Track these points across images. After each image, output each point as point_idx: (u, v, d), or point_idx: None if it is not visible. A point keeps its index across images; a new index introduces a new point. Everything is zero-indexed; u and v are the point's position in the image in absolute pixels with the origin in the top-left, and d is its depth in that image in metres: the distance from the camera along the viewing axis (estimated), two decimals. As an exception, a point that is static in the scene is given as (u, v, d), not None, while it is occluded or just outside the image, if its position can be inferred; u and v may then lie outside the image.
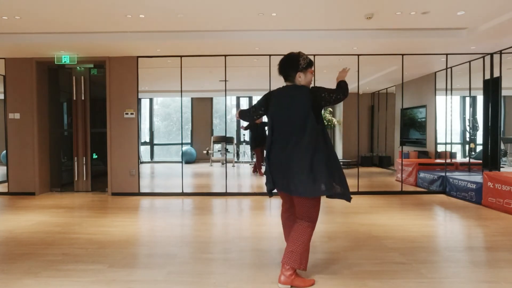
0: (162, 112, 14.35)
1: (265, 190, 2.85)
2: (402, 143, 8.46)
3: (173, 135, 14.06)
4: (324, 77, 8.48)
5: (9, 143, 6.62)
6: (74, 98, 6.90)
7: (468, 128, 7.67)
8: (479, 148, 7.72)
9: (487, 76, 6.42)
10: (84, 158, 6.92)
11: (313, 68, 2.73)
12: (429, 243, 3.71)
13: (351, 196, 2.74)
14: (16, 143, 6.61)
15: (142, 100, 12.71)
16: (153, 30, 5.41)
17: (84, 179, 6.93)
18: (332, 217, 4.77)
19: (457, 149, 9.32)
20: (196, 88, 11.08)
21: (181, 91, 7.00)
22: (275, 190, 2.79)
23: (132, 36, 5.54)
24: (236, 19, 4.99)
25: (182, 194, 6.57)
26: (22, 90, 6.57)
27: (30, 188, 6.60)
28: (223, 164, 11.46)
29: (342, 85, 2.71)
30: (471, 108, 7.97)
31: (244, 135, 12.62)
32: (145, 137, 12.96)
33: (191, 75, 8.35)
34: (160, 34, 5.52)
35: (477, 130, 7.53)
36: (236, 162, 12.11)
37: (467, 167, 7.29)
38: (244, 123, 9.29)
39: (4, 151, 6.83)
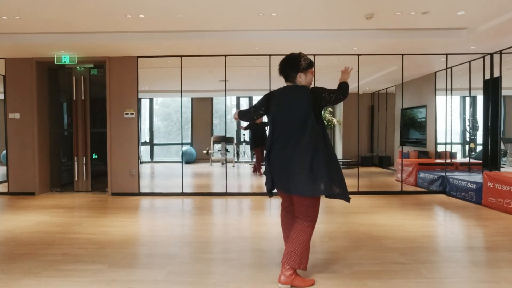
0: (162, 112, 14.36)
1: (265, 190, 2.85)
2: (402, 143, 8.46)
3: (173, 135, 14.06)
4: (324, 77, 8.49)
5: (9, 143, 6.62)
6: (74, 98, 6.90)
7: (468, 128, 7.67)
8: (479, 148, 7.72)
9: (487, 76, 6.42)
10: (84, 158, 6.92)
11: (313, 69, 2.75)
12: (429, 243, 3.71)
13: (350, 196, 2.75)
14: (16, 143, 6.61)
15: (142, 100, 12.71)
16: (153, 30, 5.41)
17: (84, 179, 6.93)
18: (332, 217, 4.77)
19: (457, 149, 9.32)
20: (196, 88, 11.09)
21: (181, 91, 7.00)
22: (275, 190, 2.80)
23: (132, 36, 5.54)
24: (236, 19, 4.99)
25: (182, 194, 6.57)
26: (22, 90, 6.57)
27: (30, 188, 6.60)
28: (223, 164, 11.46)
29: (343, 86, 2.73)
30: (471, 108, 7.97)
31: (244, 135, 12.62)
32: (145, 137, 12.96)
33: (191, 75, 8.35)
34: (160, 34, 5.52)
35: (477, 130, 7.53)
36: (236, 162, 12.11)
37: (467, 167, 7.29)
38: (244, 123, 9.29)
39: (4, 151, 6.83)
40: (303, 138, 2.55)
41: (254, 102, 12.62)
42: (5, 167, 6.90)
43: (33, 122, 6.58)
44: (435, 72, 8.11)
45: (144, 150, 12.80)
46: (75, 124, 6.91)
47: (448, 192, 6.37)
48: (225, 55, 6.41)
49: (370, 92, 11.54)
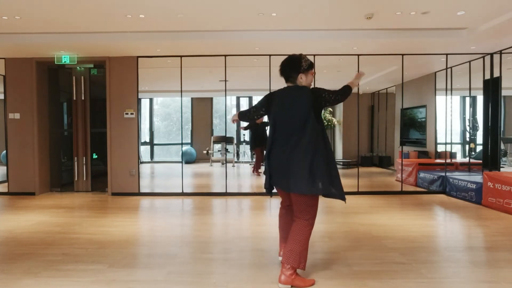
0: (162, 112, 14.36)
1: (265, 190, 2.86)
2: (402, 143, 8.47)
3: (173, 135, 14.06)
4: (324, 77, 8.49)
5: (9, 143, 6.62)
6: (74, 98, 6.90)
7: (468, 128, 7.67)
8: (479, 148, 7.72)
9: (487, 76, 6.42)
10: (84, 158, 6.92)
11: (313, 70, 2.79)
12: (429, 243, 3.71)
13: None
14: (16, 143, 6.61)
15: (142, 100, 12.71)
16: (153, 30, 5.41)
17: (84, 179, 6.93)
18: (332, 217, 4.77)
19: (457, 149, 9.32)
20: (196, 88, 11.09)
21: (181, 91, 7.00)
22: (274, 190, 2.84)
23: (132, 36, 5.54)
24: (236, 19, 4.99)
25: (182, 194, 6.57)
26: (22, 90, 6.57)
27: (30, 188, 6.60)
28: (223, 164, 11.46)
29: (345, 89, 2.78)
30: (471, 108, 7.97)
31: (244, 135, 12.62)
32: (145, 137, 12.96)
33: (191, 75, 8.35)
34: (160, 34, 5.52)
35: (477, 130, 7.53)
36: (236, 162, 12.12)
37: (467, 167, 7.29)
38: (244, 124, 9.29)
39: (4, 151, 6.83)
40: (303, 138, 2.57)
41: (254, 102, 12.69)
42: (5, 167, 6.90)
43: (33, 122, 6.58)
44: (435, 72, 8.11)
45: (144, 150, 12.80)
46: (75, 124, 6.91)
47: (448, 192, 6.37)
48: (225, 55, 6.41)
49: (370, 92, 11.54)
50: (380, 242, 3.68)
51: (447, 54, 6.47)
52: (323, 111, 10.91)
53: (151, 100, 13.03)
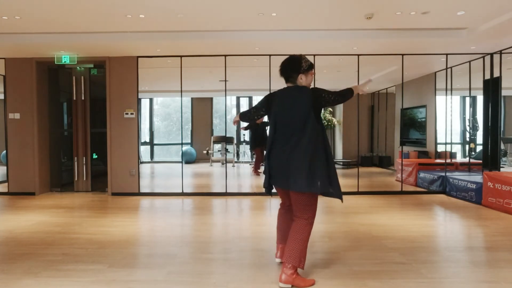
0: (162, 112, 14.36)
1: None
2: (402, 143, 8.47)
3: (173, 135, 14.06)
4: (324, 77, 8.50)
5: (9, 143, 6.62)
6: (74, 98, 6.90)
7: (468, 128, 7.67)
8: (479, 148, 7.72)
9: (487, 76, 6.42)
10: (84, 158, 6.92)
11: (313, 71, 2.82)
12: (429, 243, 3.71)
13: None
14: (16, 143, 6.61)
15: (142, 100, 12.71)
16: (153, 30, 5.41)
17: (84, 179, 6.93)
18: (332, 217, 4.77)
19: (457, 149, 9.32)
20: (196, 88, 11.08)
21: (181, 91, 7.00)
22: (274, 190, 2.86)
23: (132, 36, 5.54)
24: (236, 19, 4.99)
25: (182, 194, 6.57)
26: (22, 90, 6.57)
27: (30, 188, 6.60)
28: (223, 164, 11.46)
29: (346, 91, 2.79)
30: (471, 108, 7.97)
31: (244, 135, 12.63)
32: (145, 137, 12.96)
33: (191, 75, 8.35)
34: (160, 34, 5.52)
35: (477, 130, 7.53)
36: (236, 162, 12.12)
37: (467, 167, 7.29)
38: (244, 124, 9.29)
39: (4, 151, 6.83)
40: (303, 138, 2.59)
41: (254, 102, 12.69)
42: (5, 167, 6.89)
43: (33, 122, 6.58)
44: (435, 72, 8.11)
45: (144, 150, 12.80)
46: (75, 124, 6.91)
47: (448, 192, 6.37)
48: (225, 55, 6.41)
49: (370, 92, 11.54)
50: (380, 242, 3.68)
51: (447, 54, 6.47)
52: (322, 111, 10.92)
53: (151, 100, 13.03)
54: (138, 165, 6.64)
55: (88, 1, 4.28)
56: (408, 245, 3.60)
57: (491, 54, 6.29)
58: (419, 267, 3.01)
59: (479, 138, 7.36)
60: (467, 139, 8.07)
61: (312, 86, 2.82)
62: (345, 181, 7.81)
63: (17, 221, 4.67)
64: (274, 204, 5.65)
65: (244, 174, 9.95)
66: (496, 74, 6.24)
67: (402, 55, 6.52)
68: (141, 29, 5.38)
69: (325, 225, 4.35)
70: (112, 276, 2.86)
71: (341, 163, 11.25)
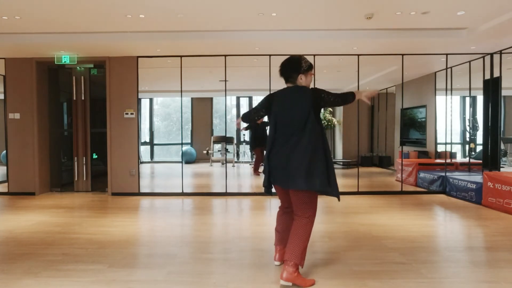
0: (162, 112, 14.36)
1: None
2: (402, 143, 8.47)
3: (173, 135, 14.06)
4: (324, 77, 8.50)
5: (9, 143, 6.62)
6: (74, 98, 6.90)
7: (468, 128, 7.67)
8: (479, 148, 7.72)
9: (487, 76, 6.42)
10: (84, 158, 6.92)
11: (313, 71, 2.84)
12: (429, 243, 3.71)
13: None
14: (16, 143, 6.61)
15: (142, 100, 12.71)
16: (153, 30, 5.41)
17: (84, 179, 6.93)
18: (332, 217, 4.77)
19: (457, 149, 9.32)
20: (196, 88, 11.09)
21: (181, 91, 7.00)
22: (274, 190, 2.87)
23: (132, 36, 5.54)
24: (236, 19, 4.99)
25: (182, 194, 6.57)
26: (22, 90, 6.57)
27: (30, 188, 6.60)
28: (223, 164, 11.46)
29: (347, 95, 2.79)
30: (471, 108, 7.97)
31: (244, 135, 12.63)
32: (145, 137, 12.96)
33: (191, 75, 8.35)
34: (160, 34, 5.52)
35: (477, 130, 7.53)
36: (236, 162, 12.12)
37: (467, 167, 7.29)
38: (244, 124, 9.29)
39: (4, 151, 6.83)
40: (303, 138, 2.61)
41: (254, 102, 12.70)
42: (5, 167, 6.89)
43: (33, 122, 6.58)
44: (435, 72, 8.11)
45: (144, 150, 12.80)
46: (75, 124, 6.91)
47: (448, 192, 6.37)
48: (225, 55, 6.41)
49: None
50: (380, 242, 3.68)
51: (447, 54, 6.47)
52: (322, 111, 10.90)
53: (151, 100, 13.03)
54: (138, 165, 6.64)
55: (88, 1, 4.28)
56: (408, 245, 3.60)
57: (491, 54, 6.29)
58: (419, 267, 3.01)
59: (479, 138, 7.36)
60: (467, 139, 8.07)
61: (311, 86, 2.84)
62: (345, 181, 7.81)
63: (17, 221, 4.67)
64: (274, 204, 5.65)
65: (244, 174, 9.95)
66: (496, 74, 6.24)
67: (402, 55, 6.52)
68: (141, 29, 5.38)
69: (325, 225, 4.35)
70: (112, 276, 2.86)
71: (341, 163, 11.25)
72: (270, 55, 6.31)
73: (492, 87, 6.26)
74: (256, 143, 9.12)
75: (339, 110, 12.17)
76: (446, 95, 7.46)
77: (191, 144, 13.10)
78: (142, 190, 6.71)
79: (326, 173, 2.63)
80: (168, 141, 13.93)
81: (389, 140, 10.66)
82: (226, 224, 4.63)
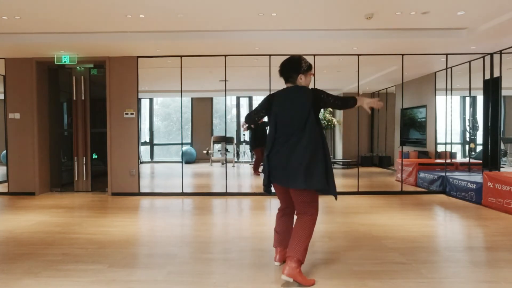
0: (162, 112, 14.36)
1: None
2: (402, 143, 8.47)
3: (173, 135, 14.06)
4: (324, 77, 8.49)
5: (9, 143, 6.62)
6: (74, 98, 6.90)
7: (468, 128, 7.67)
8: (479, 148, 7.72)
9: (487, 76, 6.42)
10: (84, 158, 6.92)
11: (312, 71, 2.86)
12: (429, 243, 3.71)
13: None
14: (16, 143, 6.61)
15: (142, 100, 12.71)
16: (153, 30, 5.41)
17: (84, 179, 6.93)
18: (332, 217, 4.77)
19: (457, 149, 9.32)
20: (196, 88, 11.09)
21: (181, 91, 7.00)
22: (273, 190, 2.89)
23: (132, 36, 5.54)
24: (236, 19, 4.99)
25: (182, 194, 6.57)
26: (22, 90, 6.57)
27: (30, 188, 6.60)
28: (223, 164, 11.46)
29: (348, 99, 2.85)
30: (471, 108, 7.97)
31: (244, 135, 12.63)
32: (145, 137, 12.96)
33: (191, 75, 8.35)
34: (160, 34, 5.52)
35: (477, 130, 7.53)
36: (236, 162, 12.12)
37: (467, 167, 7.29)
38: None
39: (4, 151, 6.83)
40: (303, 138, 2.63)
41: (254, 102, 12.70)
42: (5, 167, 6.90)
43: (33, 122, 6.58)
44: (435, 72, 8.11)
45: (144, 150, 12.80)
46: (75, 124, 6.91)
47: (448, 192, 6.37)
48: (225, 55, 6.41)
49: (370, 92, 11.54)
50: (380, 242, 3.68)
51: (447, 54, 6.47)
52: (322, 111, 10.87)
53: (151, 100, 13.03)
54: (138, 165, 6.64)
55: (88, 1, 4.28)
56: (408, 245, 3.60)
57: (491, 54, 6.29)
58: (419, 267, 3.01)
59: (479, 138, 7.36)
60: (467, 139, 8.07)
61: (311, 86, 2.85)
62: (345, 181, 7.81)
63: (17, 221, 4.67)
64: (274, 204, 5.65)
65: (244, 174, 9.95)
66: (496, 74, 6.24)
67: (402, 55, 6.52)
68: (141, 29, 5.38)
69: (325, 225, 4.35)
70: (112, 276, 2.86)
71: (341, 163, 11.24)
72: (270, 55, 6.31)
73: (492, 87, 6.26)
74: (256, 143, 9.13)
75: (339, 110, 12.16)
76: (446, 95, 7.46)
77: (191, 144, 13.10)
78: (142, 190, 6.71)
79: (325, 172, 2.65)
80: (168, 141, 13.93)
81: (389, 140, 10.66)
82: (226, 224, 4.63)
